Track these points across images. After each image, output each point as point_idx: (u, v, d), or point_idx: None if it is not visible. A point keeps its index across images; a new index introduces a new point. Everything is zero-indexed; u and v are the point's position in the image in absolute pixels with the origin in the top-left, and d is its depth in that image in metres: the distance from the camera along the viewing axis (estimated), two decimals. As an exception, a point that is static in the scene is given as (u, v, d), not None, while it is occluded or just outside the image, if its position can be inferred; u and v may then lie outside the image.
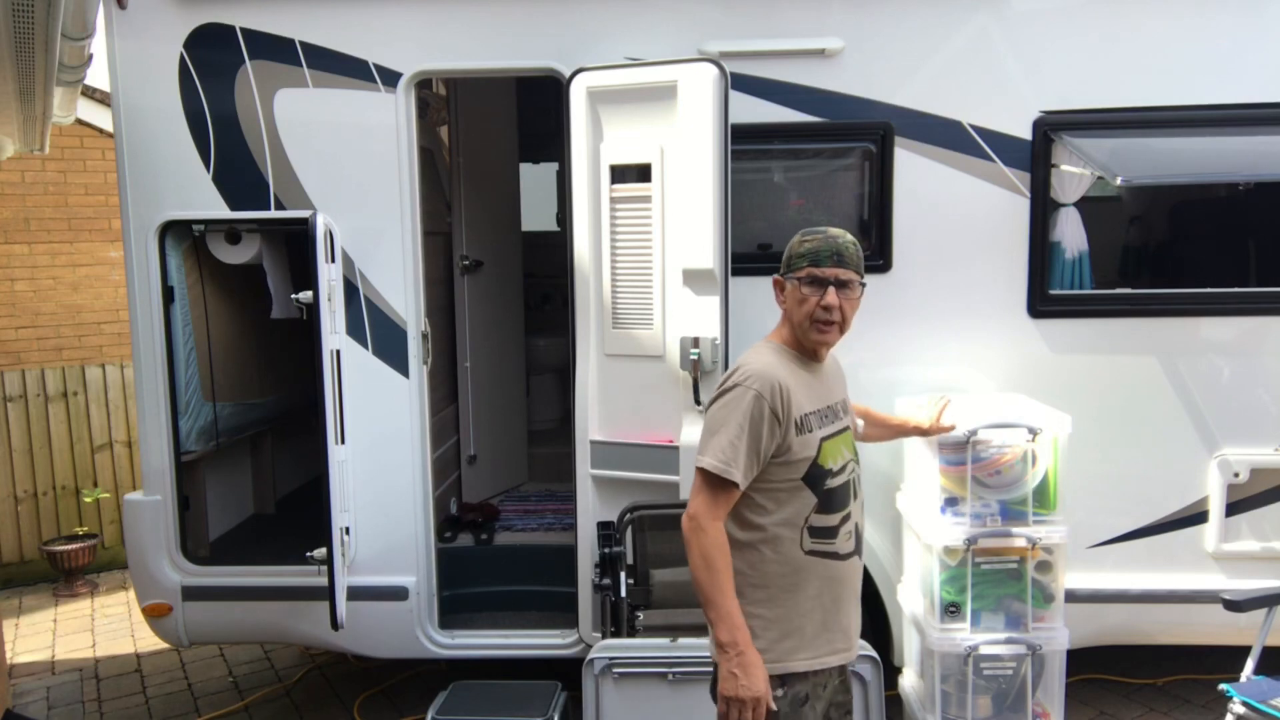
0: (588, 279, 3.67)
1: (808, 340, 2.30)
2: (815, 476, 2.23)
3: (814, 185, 3.87)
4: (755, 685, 2.10)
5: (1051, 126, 3.65)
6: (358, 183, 3.79)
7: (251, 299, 4.38)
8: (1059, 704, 3.41)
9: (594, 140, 3.60)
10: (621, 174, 3.59)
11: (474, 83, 4.82)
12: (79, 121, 6.08)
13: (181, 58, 3.75)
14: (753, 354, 2.31)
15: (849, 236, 2.33)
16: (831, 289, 2.25)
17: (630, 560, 3.46)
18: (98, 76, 4.80)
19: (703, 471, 2.16)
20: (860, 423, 2.73)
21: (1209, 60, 3.61)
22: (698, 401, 3.47)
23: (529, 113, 5.38)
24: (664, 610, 3.37)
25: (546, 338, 5.65)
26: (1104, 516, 3.77)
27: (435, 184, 4.76)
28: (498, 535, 4.46)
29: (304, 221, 3.59)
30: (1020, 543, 3.32)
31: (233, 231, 4.04)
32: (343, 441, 3.81)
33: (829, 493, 2.26)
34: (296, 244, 4.19)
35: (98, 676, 4.82)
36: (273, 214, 3.81)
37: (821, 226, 2.33)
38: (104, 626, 5.50)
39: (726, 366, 3.50)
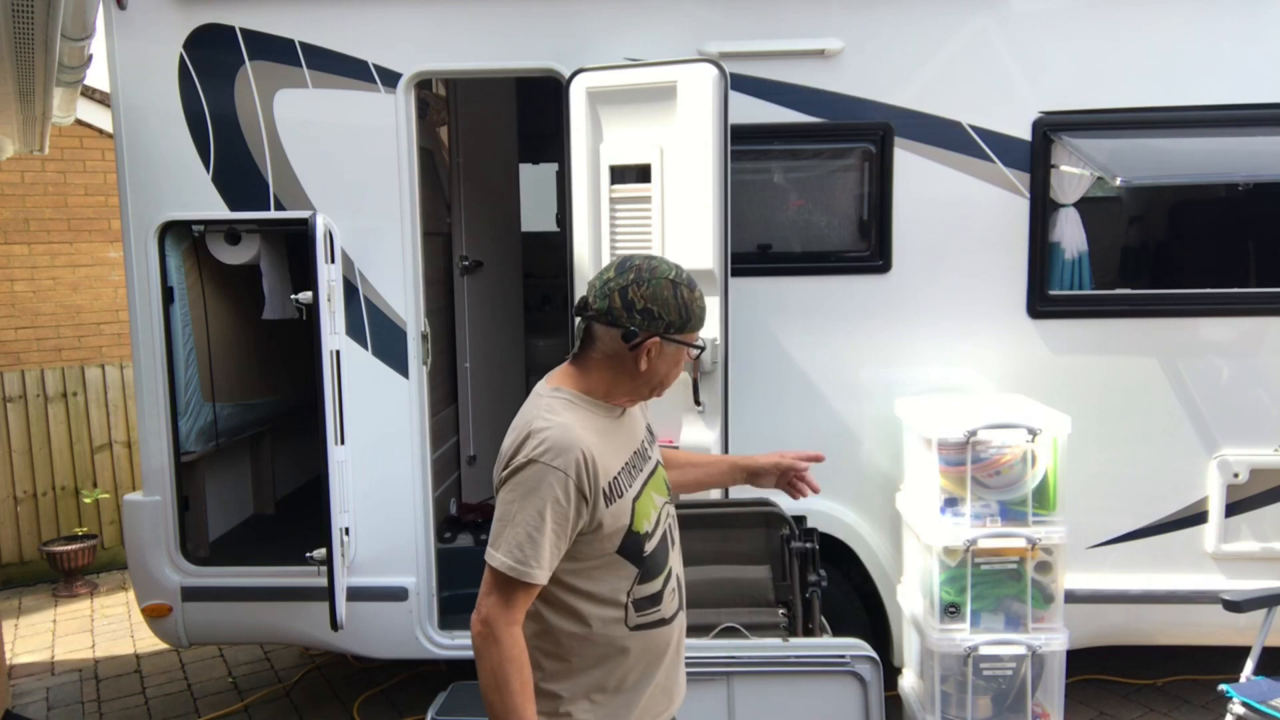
0: (588, 279, 3.67)
1: (641, 398, 2.02)
2: (632, 545, 1.93)
3: (814, 186, 3.87)
4: None
5: (1051, 127, 3.65)
6: (357, 183, 3.79)
7: (251, 299, 4.38)
8: (1059, 704, 3.41)
9: (594, 140, 3.60)
10: (621, 174, 3.58)
11: (474, 83, 4.82)
12: (79, 122, 6.08)
13: (181, 58, 3.75)
14: (546, 413, 1.88)
15: None
16: None
17: (630, 561, 3.46)
18: (98, 77, 4.80)
19: (495, 570, 1.86)
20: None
21: (1209, 60, 3.61)
22: (697, 402, 3.47)
23: (529, 113, 5.38)
24: (664, 611, 3.37)
25: (546, 338, 5.64)
26: (1104, 517, 3.77)
27: (435, 184, 4.76)
28: (497, 535, 4.45)
29: (304, 222, 3.59)
30: (1020, 543, 3.32)
31: (232, 232, 4.04)
32: (342, 442, 3.81)
33: (649, 558, 1.97)
34: (296, 244, 4.19)
35: (97, 677, 4.82)
36: (272, 214, 3.81)
37: (689, 274, 1.97)
38: (103, 627, 5.49)
39: (727, 367, 3.50)
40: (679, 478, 2.33)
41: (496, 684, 1.84)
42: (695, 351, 2.01)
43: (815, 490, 2.29)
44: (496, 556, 1.86)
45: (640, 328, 1.89)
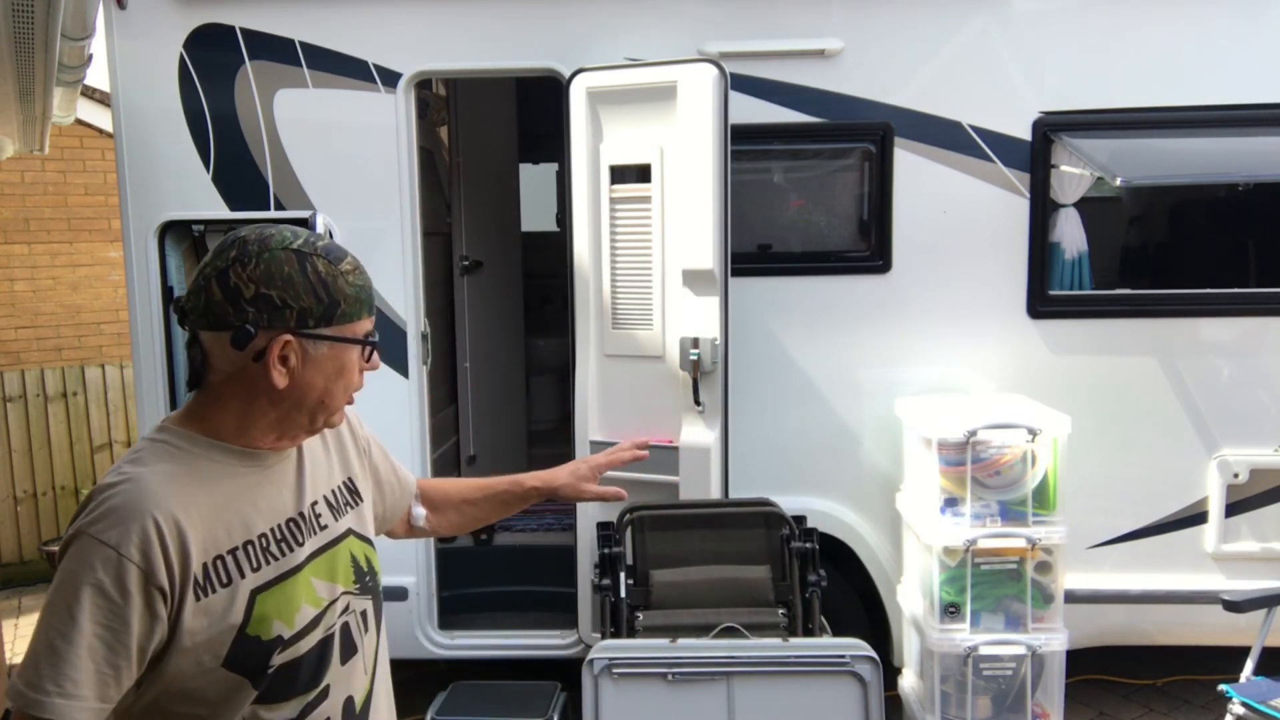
0: (588, 279, 3.67)
1: (301, 431, 1.41)
2: (245, 656, 1.31)
3: (814, 185, 3.87)
4: None
5: (1051, 127, 3.64)
6: (358, 183, 3.79)
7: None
8: (1058, 704, 3.41)
9: (594, 140, 3.60)
10: (621, 174, 3.59)
11: (474, 83, 4.82)
12: (79, 121, 6.07)
13: (181, 58, 3.75)
14: (128, 463, 1.31)
15: None
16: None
17: (630, 561, 3.46)
18: (98, 76, 4.80)
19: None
20: (420, 511, 1.78)
21: (1209, 60, 3.61)
22: (697, 402, 3.47)
23: (529, 113, 5.38)
24: (664, 611, 3.37)
25: (546, 338, 5.65)
26: (1104, 517, 3.77)
27: (435, 184, 4.76)
28: (497, 535, 4.46)
29: (304, 222, 3.59)
30: (1020, 543, 3.32)
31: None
32: (342, 442, 3.81)
33: (282, 672, 1.35)
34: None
35: (97, 677, 4.82)
36: (272, 214, 3.81)
37: (332, 242, 1.41)
38: (104, 626, 5.49)
39: (726, 368, 3.50)
40: (454, 519, 1.83)
41: None
42: (368, 350, 1.40)
43: (620, 497, 1.86)
44: (15, 678, 1.23)
45: (257, 324, 1.30)
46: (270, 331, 1.31)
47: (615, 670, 3.09)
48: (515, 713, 3.39)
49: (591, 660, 3.09)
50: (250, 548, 1.34)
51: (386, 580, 3.86)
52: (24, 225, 6.32)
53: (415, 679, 4.54)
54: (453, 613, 4.14)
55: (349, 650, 1.45)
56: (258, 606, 1.32)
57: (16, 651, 5.17)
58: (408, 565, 3.91)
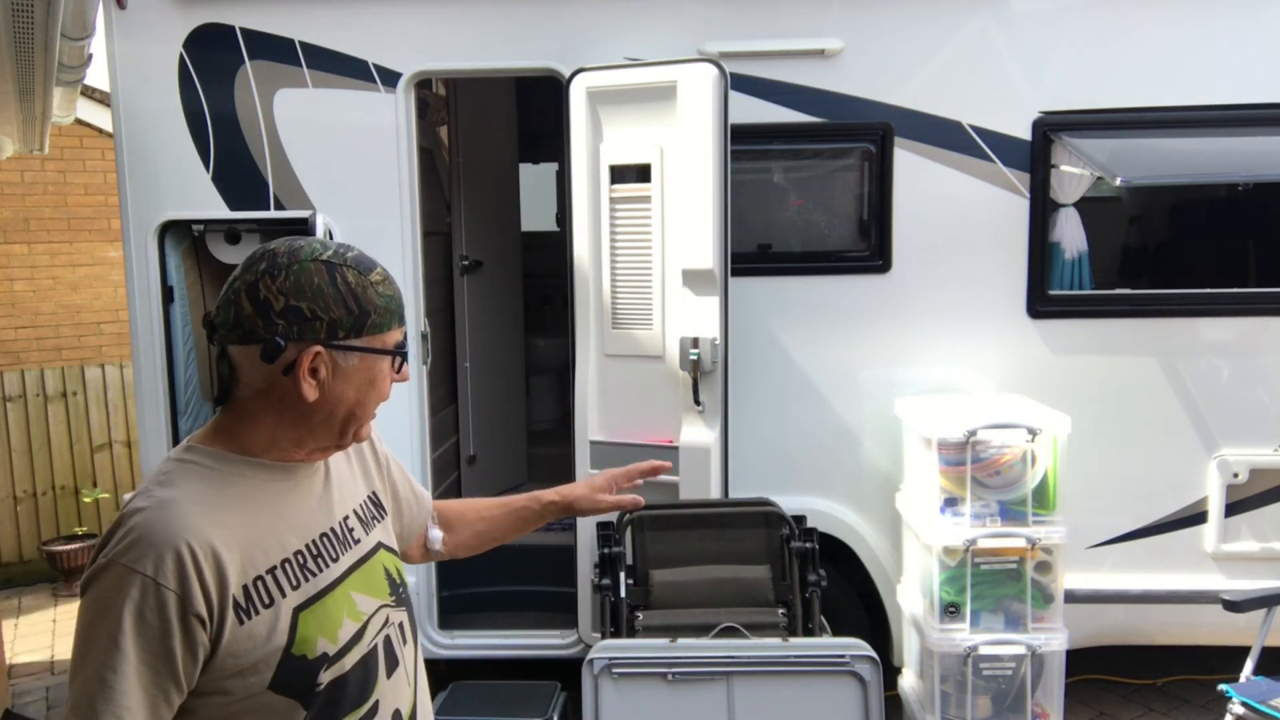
0: (587, 279, 3.67)
1: (332, 444, 1.41)
2: (292, 676, 1.31)
3: (814, 185, 3.87)
4: None
5: (1051, 127, 3.64)
6: (358, 183, 3.79)
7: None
8: (1058, 704, 3.41)
9: (594, 140, 3.60)
10: (621, 174, 3.59)
11: (474, 83, 4.82)
12: (79, 121, 6.08)
13: (181, 58, 3.75)
14: (155, 486, 1.30)
15: None
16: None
17: (630, 561, 3.46)
18: (98, 76, 4.80)
19: None
20: (437, 534, 1.83)
21: (1209, 60, 3.61)
22: (697, 402, 3.47)
23: (529, 113, 5.38)
24: (663, 610, 3.37)
25: (546, 338, 5.65)
26: (1103, 517, 3.77)
27: (435, 184, 4.76)
28: (497, 535, 4.46)
29: (304, 221, 3.59)
30: (1020, 543, 3.32)
31: (232, 231, 4.03)
32: (342, 442, 3.81)
33: (331, 690, 1.35)
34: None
35: (97, 676, 4.81)
36: (272, 214, 3.81)
37: (361, 252, 1.40)
38: (103, 626, 5.48)
39: (726, 368, 3.50)
40: (470, 540, 1.89)
41: None
42: (398, 361, 1.40)
43: (638, 505, 1.82)
44: (69, 711, 1.22)
45: (288, 336, 1.30)
46: (300, 344, 1.31)
47: (615, 670, 3.09)
48: (515, 713, 3.39)
49: (591, 660, 3.09)
50: (288, 565, 1.34)
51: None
52: (24, 225, 6.32)
53: (415, 679, 4.54)
54: (453, 613, 4.14)
55: (392, 663, 1.46)
56: (301, 625, 1.32)
57: (17, 651, 5.17)
58: (407, 565, 3.91)
